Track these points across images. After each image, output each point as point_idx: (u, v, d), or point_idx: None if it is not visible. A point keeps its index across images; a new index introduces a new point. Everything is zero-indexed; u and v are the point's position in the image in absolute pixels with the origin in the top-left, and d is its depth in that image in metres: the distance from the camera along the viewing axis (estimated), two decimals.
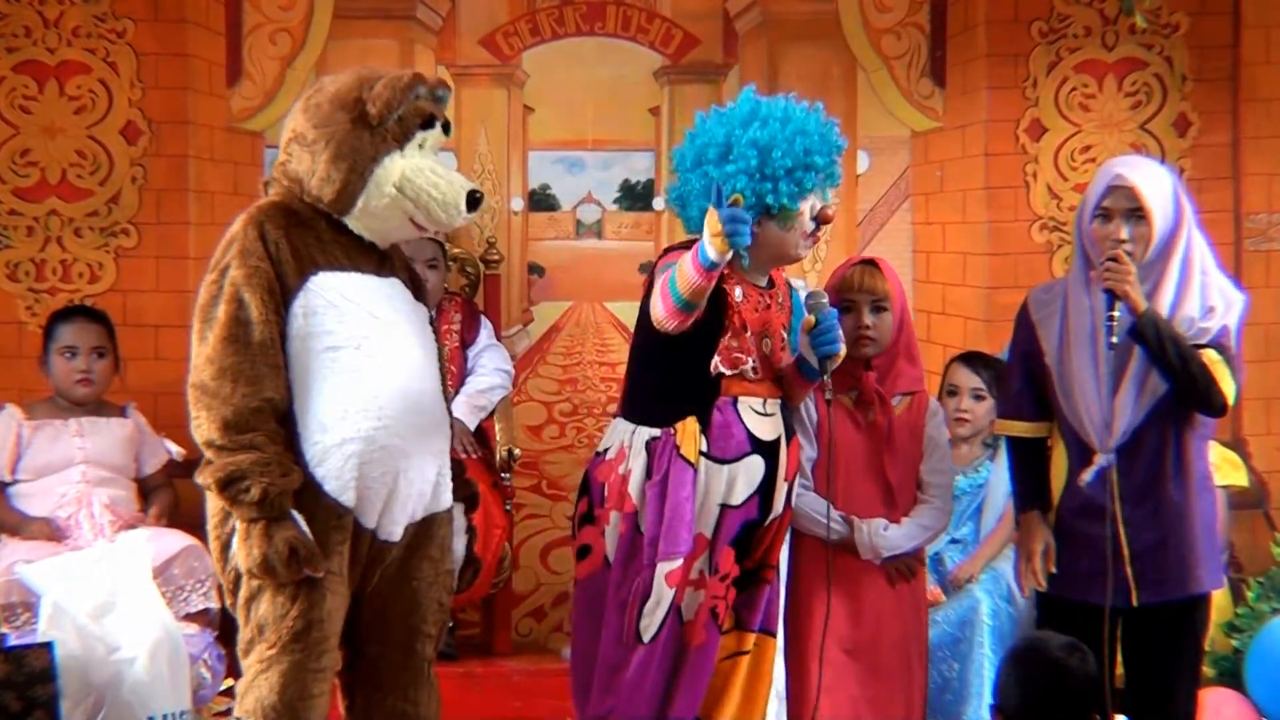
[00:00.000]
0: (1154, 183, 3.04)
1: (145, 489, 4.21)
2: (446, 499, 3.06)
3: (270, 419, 2.86)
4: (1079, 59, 4.72)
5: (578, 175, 4.93)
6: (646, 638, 3.01)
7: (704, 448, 3.00)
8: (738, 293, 3.05)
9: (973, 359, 4.18)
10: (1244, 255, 4.69)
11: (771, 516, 3.08)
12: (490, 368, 4.60)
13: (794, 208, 3.00)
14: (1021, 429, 3.22)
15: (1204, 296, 3.04)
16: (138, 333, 4.55)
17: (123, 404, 4.29)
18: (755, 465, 3.02)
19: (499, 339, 4.75)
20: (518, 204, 4.99)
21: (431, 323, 3.14)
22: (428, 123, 2.98)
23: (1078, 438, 3.09)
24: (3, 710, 3.22)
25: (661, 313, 2.94)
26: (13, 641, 3.46)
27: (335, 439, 2.89)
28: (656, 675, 3.02)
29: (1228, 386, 2.99)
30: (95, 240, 4.66)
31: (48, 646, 3.34)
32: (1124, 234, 3.01)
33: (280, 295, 2.89)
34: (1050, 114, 4.73)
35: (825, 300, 3.04)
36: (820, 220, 3.05)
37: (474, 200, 2.95)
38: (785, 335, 3.15)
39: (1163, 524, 3.03)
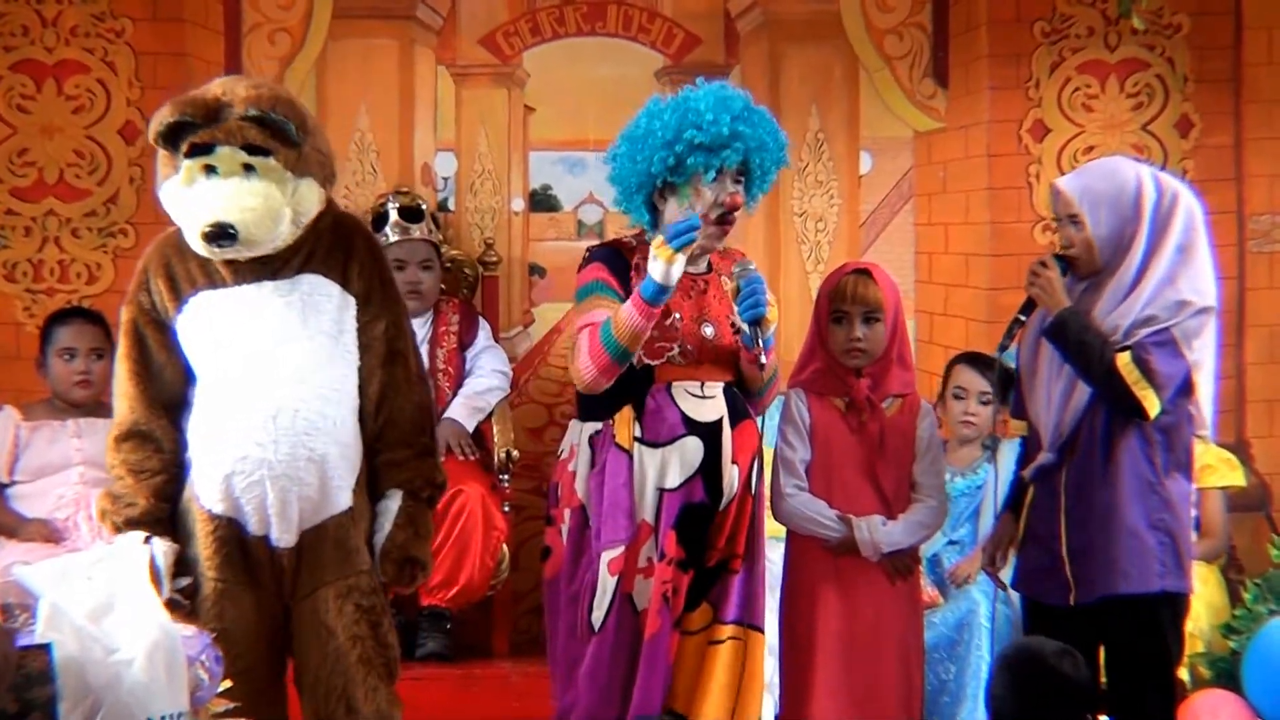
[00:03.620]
0: (1094, 189, 3.09)
1: None
2: (340, 501, 3.01)
3: (133, 448, 3.04)
4: (1081, 59, 4.71)
5: (579, 176, 4.92)
6: (597, 628, 3.03)
7: (638, 433, 3.03)
8: None
9: (978, 361, 4.17)
10: (1247, 257, 4.68)
11: (726, 500, 3.06)
12: (488, 369, 4.59)
13: (676, 181, 3.03)
14: (1024, 428, 3.25)
15: (1152, 305, 3.03)
16: None
17: None
18: (690, 446, 3.04)
19: (497, 340, 4.74)
20: (518, 204, 4.98)
21: (380, 312, 3.08)
22: (193, 150, 2.92)
23: (1037, 436, 3.17)
24: (1, 712, 3.21)
25: (589, 373, 3.00)
26: None
27: (199, 454, 3.00)
28: (613, 667, 3.04)
29: (1143, 392, 2.98)
30: (93, 241, 4.65)
31: (46, 648, 3.33)
32: (1067, 239, 3.11)
33: (157, 326, 3.04)
34: (1053, 114, 4.73)
35: (750, 266, 3.07)
36: (726, 207, 3.06)
37: (210, 236, 2.88)
38: (735, 321, 3.14)
39: (1092, 525, 3.06)
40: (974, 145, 4.80)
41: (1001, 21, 4.71)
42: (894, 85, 4.94)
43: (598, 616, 3.04)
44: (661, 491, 3.03)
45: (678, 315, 3.08)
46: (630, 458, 3.03)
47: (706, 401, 3.08)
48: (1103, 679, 3.16)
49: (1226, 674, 3.99)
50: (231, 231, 2.88)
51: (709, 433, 3.06)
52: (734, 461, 3.08)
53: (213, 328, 3.01)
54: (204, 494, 2.98)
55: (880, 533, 3.17)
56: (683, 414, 3.05)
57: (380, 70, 4.88)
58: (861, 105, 4.97)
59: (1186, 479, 3.14)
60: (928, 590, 3.83)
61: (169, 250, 3.07)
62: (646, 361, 3.05)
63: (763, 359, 3.01)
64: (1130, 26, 4.58)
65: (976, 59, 4.78)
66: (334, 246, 3.07)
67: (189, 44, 4.68)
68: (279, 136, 2.93)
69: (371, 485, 3.08)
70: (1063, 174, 4.60)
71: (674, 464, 3.03)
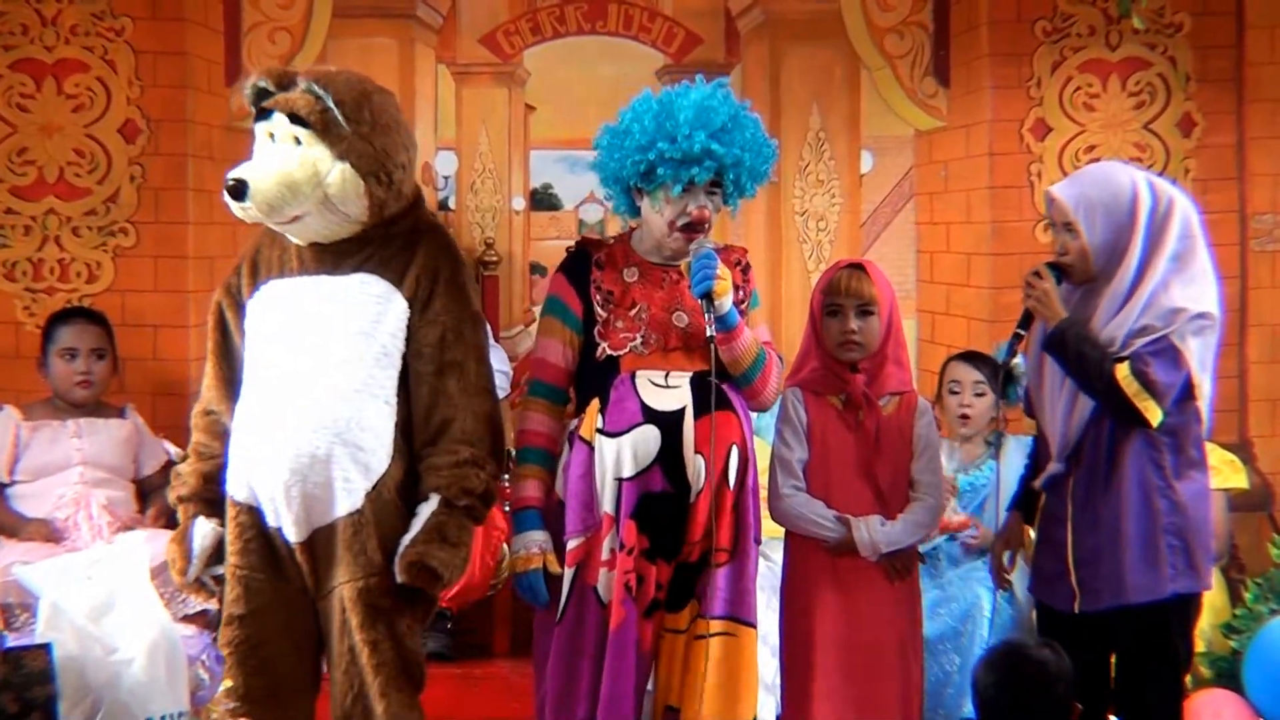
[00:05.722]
0: (1089, 196, 3.05)
1: (144, 490, 4.19)
2: (350, 502, 2.97)
3: (206, 430, 3.11)
4: (1083, 58, 4.71)
5: (579, 174, 4.91)
6: (559, 619, 3.04)
7: (600, 425, 3.03)
8: (627, 274, 3.10)
9: (970, 356, 4.19)
10: (1249, 256, 4.68)
11: (695, 491, 3.04)
12: None
13: (645, 187, 3.03)
14: (1034, 426, 3.26)
15: (1146, 314, 3.01)
16: (136, 333, 4.53)
17: (121, 405, 4.27)
18: (646, 435, 3.01)
19: (498, 339, 4.73)
20: (519, 203, 4.98)
21: (431, 311, 3.06)
22: (261, 115, 3.00)
23: (1047, 444, 3.16)
24: (1, 711, 3.21)
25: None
26: (11, 643, 3.45)
27: (233, 440, 3.05)
28: (573, 658, 3.02)
29: (1144, 403, 2.95)
30: (93, 239, 4.64)
31: (46, 648, 3.33)
32: (1062, 246, 3.09)
33: (236, 309, 3.09)
34: (1054, 113, 4.72)
35: (706, 244, 3.04)
36: (692, 219, 3.02)
37: (228, 190, 2.94)
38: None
39: (1098, 534, 3.05)
40: (975, 144, 4.79)
41: (1002, 20, 4.71)
42: (895, 84, 4.94)
43: (560, 608, 3.05)
44: (620, 481, 3.02)
45: (644, 305, 3.07)
46: (591, 449, 3.02)
47: (669, 391, 3.05)
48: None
49: (1227, 674, 3.99)
50: (243, 188, 2.92)
51: (668, 422, 3.03)
52: (698, 451, 3.04)
53: (265, 315, 3.05)
54: (230, 480, 3.03)
55: (879, 533, 3.16)
56: (642, 403, 3.03)
57: (380, 69, 4.87)
58: (863, 104, 4.98)
59: (1203, 475, 3.11)
60: (958, 515, 3.90)
61: (263, 238, 3.13)
62: (610, 353, 3.05)
63: (709, 332, 2.98)
64: (1130, 26, 4.58)
65: (978, 58, 4.77)
66: (400, 250, 3.06)
67: (189, 43, 4.68)
68: (323, 113, 2.95)
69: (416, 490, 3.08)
70: (1064, 173, 4.64)
71: (628, 453, 3.01)
